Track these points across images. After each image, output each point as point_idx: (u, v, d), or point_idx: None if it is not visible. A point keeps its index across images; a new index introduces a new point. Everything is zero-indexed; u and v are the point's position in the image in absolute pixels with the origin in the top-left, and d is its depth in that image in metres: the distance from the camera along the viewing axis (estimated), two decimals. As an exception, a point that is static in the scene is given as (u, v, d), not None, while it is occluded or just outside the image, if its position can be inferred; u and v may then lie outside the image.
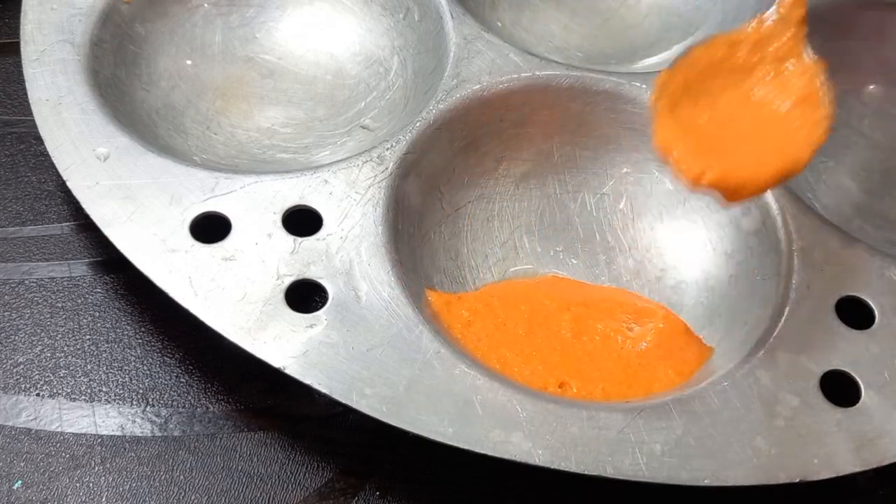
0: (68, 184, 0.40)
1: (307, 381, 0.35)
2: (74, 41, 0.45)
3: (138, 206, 0.39)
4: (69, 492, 0.37)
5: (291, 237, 0.39)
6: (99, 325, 0.42)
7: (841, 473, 0.35)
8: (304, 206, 0.40)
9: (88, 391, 0.40)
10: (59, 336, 0.42)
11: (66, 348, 0.41)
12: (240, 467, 0.38)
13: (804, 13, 0.36)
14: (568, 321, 0.41)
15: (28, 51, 0.44)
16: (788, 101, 0.37)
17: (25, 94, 0.43)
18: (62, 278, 0.43)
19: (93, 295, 0.43)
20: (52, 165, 0.41)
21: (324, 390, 0.35)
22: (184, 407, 0.40)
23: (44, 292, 0.43)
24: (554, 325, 0.41)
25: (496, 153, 0.46)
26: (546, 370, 0.39)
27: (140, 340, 0.42)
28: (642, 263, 0.44)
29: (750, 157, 0.36)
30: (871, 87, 0.52)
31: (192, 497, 0.38)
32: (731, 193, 0.36)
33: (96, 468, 0.38)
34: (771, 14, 0.36)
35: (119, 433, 0.39)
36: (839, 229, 0.42)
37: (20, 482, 0.37)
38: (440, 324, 0.39)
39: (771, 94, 0.37)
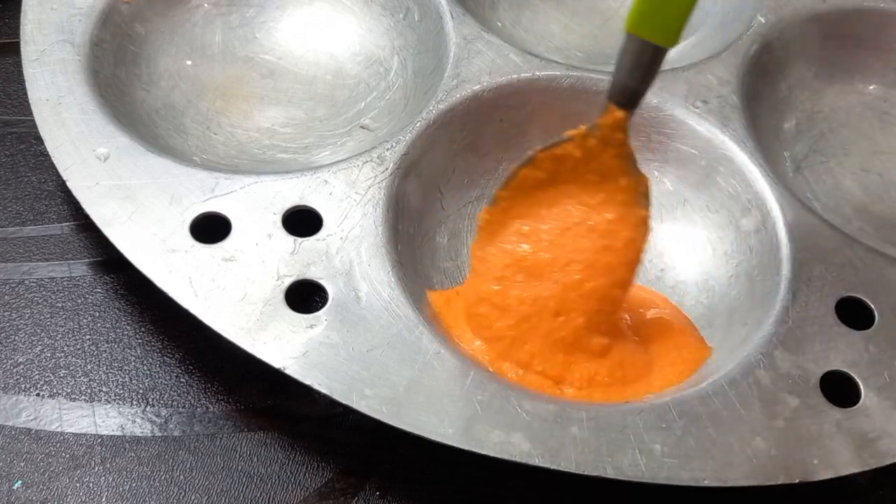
0: (68, 184, 0.40)
1: (307, 381, 0.35)
2: (74, 41, 0.45)
3: (138, 207, 0.39)
4: (69, 492, 0.37)
5: (291, 237, 0.39)
6: (99, 325, 0.42)
7: (841, 474, 0.35)
8: (305, 206, 0.40)
9: (88, 391, 0.40)
10: (59, 336, 0.42)
11: (66, 348, 0.41)
12: (240, 467, 0.38)
13: (623, 138, 0.36)
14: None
15: (28, 51, 0.44)
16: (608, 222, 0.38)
17: (25, 94, 0.43)
18: (62, 278, 0.43)
19: (93, 295, 0.43)
20: (52, 165, 0.41)
21: (324, 391, 0.35)
22: (184, 407, 0.40)
23: (44, 292, 0.43)
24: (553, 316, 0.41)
25: (496, 153, 0.46)
26: (545, 362, 0.39)
27: (140, 340, 0.42)
28: (642, 263, 0.44)
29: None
30: (872, 87, 0.52)
31: (192, 497, 0.38)
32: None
33: (96, 468, 0.38)
34: (593, 129, 0.37)
35: (119, 433, 0.39)
36: (839, 229, 0.42)
37: (20, 482, 0.37)
38: (440, 324, 0.39)
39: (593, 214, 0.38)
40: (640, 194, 0.38)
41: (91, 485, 0.38)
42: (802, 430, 0.36)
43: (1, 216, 0.45)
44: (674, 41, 0.34)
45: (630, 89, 0.35)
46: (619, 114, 0.36)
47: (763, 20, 0.49)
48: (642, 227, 0.38)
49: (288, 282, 0.38)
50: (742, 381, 0.37)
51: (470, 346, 0.39)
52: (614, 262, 0.38)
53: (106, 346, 0.41)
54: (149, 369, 0.41)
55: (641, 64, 0.34)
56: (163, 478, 0.38)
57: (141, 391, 0.40)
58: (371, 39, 0.51)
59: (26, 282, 0.43)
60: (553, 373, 0.38)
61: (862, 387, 0.37)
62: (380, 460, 0.39)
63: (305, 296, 0.38)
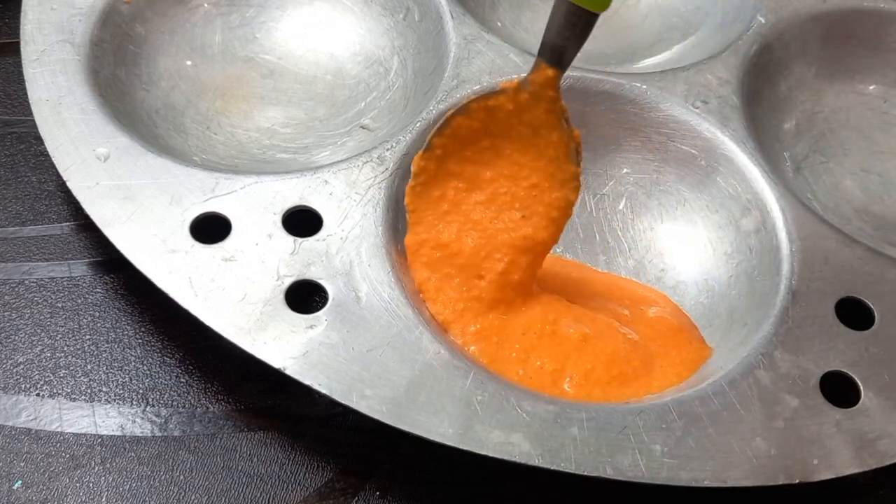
0: (68, 184, 0.40)
1: (307, 381, 0.35)
2: (74, 41, 0.45)
3: (138, 207, 0.39)
4: (69, 492, 0.37)
5: (291, 238, 0.39)
6: (99, 325, 0.42)
7: (841, 474, 0.35)
8: (305, 206, 0.40)
9: (88, 391, 0.40)
10: (59, 336, 0.42)
11: (66, 348, 0.41)
12: (240, 467, 0.38)
13: (555, 94, 0.37)
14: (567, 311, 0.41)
15: (28, 51, 0.44)
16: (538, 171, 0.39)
17: (25, 94, 0.43)
18: (62, 278, 0.43)
19: (93, 295, 0.43)
20: (52, 165, 0.41)
21: (324, 391, 0.35)
22: (184, 407, 0.40)
23: (44, 292, 0.43)
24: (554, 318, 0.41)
25: (496, 153, 0.46)
26: (545, 359, 0.39)
27: (140, 340, 0.42)
28: (642, 264, 0.44)
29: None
30: (872, 87, 0.52)
31: (192, 497, 0.38)
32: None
33: (96, 468, 0.38)
34: (525, 84, 0.37)
35: (119, 433, 0.39)
36: (839, 229, 0.42)
37: (20, 482, 0.37)
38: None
39: (523, 164, 0.39)
40: (571, 150, 0.38)
41: (91, 485, 0.38)
42: (802, 430, 0.36)
43: (1, 216, 0.45)
44: (604, 7, 0.35)
45: (559, 48, 0.36)
46: (549, 72, 0.37)
47: (763, 20, 0.49)
48: (572, 182, 0.38)
49: (288, 282, 0.38)
50: (742, 381, 0.37)
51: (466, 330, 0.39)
52: (533, 231, 0.39)
53: (106, 346, 0.41)
54: (149, 369, 0.41)
55: (572, 26, 0.35)
56: (163, 478, 0.38)
57: (141, 391, 0.40)
58: (371, 39, 0.51)
59: (26, 282, 0.43)
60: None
61: (862, 387, 0.37)
62: (380, 460, 0.39)
63: (305, 296, 0.38)
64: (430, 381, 0.36)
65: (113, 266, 0.44)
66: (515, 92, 0.38)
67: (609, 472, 0.34)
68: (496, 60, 0.46)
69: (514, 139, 0.39)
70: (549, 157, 0.38)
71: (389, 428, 0.35)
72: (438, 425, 0.34)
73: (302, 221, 0.40)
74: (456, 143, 0.39)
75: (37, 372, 0.40)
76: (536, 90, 0.37)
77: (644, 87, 0.45)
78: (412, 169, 0.40)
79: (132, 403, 0.40)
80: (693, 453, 0.35)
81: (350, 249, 0.39)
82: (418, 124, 0.43)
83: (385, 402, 0.35)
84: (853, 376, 0.37)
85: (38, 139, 0.41)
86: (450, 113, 0.39)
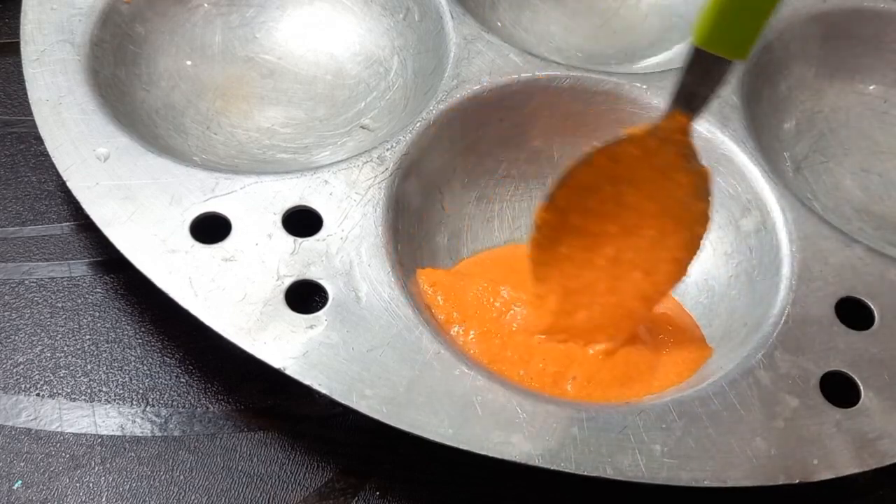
0: (68, 184, 0.40)
1: (307, 381, 0.35)
2: (74, 41, 0.45)
3: (138, 207, 0.39)
4: (69, 492, 0.37)
5: (291, 238, 0.39)
6: (99, 325, 0.42)
7: (841, 474, 0.35)
8: (305, 206, 0.40)
9: (88, 391, 0.40)
10: (59, 336, 0.42)
11: (66, 348, 0.41)
12: (240, 467, 0.38)
13: (687, 139, 0.36)
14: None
15: (28, 51, 0.44)
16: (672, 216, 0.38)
17: (25, 94, 0.43)
18: (62, 278, 0.43)
19: (93, 295, 0.43)
20: (52, 165, 0.41)
21: (324, 391, 0.35)
22: (184, 407, 0.40)
23: (44, 292, 0.43)
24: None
25: (496, 154, 0.46)
26: (548, 362, 0.39)
27: (140, 340, 0.42)
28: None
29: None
30: (872, 87, 0.52)
31: (192, 497, 0.38)
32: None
33: (96, 468, 0.38)
34: (655, 131, 0.36)
35: (119, 433, 0.39)
36: (839, 229, 0.42)
37: (20, 482, 0.37)
38: (432, 314, 0.39)
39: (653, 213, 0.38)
40: (700, 189, 0.37)
41: (91, 485, 0.38)
42: (802, 430, 0.36)
43: (1, 216, 0.45)
44: (745, 56, 0.34)
45: (694, 95, 0.35)
46: (683, 119, 0.36)
47: (763, 20, 0.49)
48: (701, 219, 0.37)
49: (288, 282, 0.38)
50: (742, 381, 0.37)
51: (452, 329, 0.39)
52: (653, 289, 0.39)
53: (106, 346, 0.41)
54: (149, 369, 0.41)
55: (710, 75, 0.34)
56: (163, 478, 0.38)
57: (141, 391, 0.40)
58: (371, 39, 0.51)
59: (26, 282, 0.43)
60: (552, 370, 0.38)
61: (862, 387, 0.37)
62: (380, 460, 0.39)
63: (305, 296, 0.38)
64: (430, 381, 0.36)
65: (113, 266, 0.44)
66: (644, 139, 0.36)
67: (609, 472, 0.34)
68: (496, 60, 0.46)
69: (639, 184, 0.37)
70: (676, 198, 0.37)
71: (389, 428, 0.35)
72: (438, 425, 0.34)
73: (302, 221, 0.40)
74: (577, 194, 0.38)
75: (37, 372, 0.40)
76: (668, 135, 0.36)
77: (644, 87, 0.45)
78: (535, 220, 0.38)
79: (132, 403, 0.40)
80: (693, 453, 0.35)
81: (350, 249, 0.39)
82: (418, 124, 0.43)
83: (385, 402, 0.35)
84: (853, 376, 0.37)
85: (38, 139, 0.41)
86: (571, 165, 0.37)
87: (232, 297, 0.37)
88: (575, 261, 0.39)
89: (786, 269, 0.40)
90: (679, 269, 0.39)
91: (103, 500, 0.37)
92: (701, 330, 0.42)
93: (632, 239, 0.38)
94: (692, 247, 0.38)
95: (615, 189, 0.38)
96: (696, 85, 0.35)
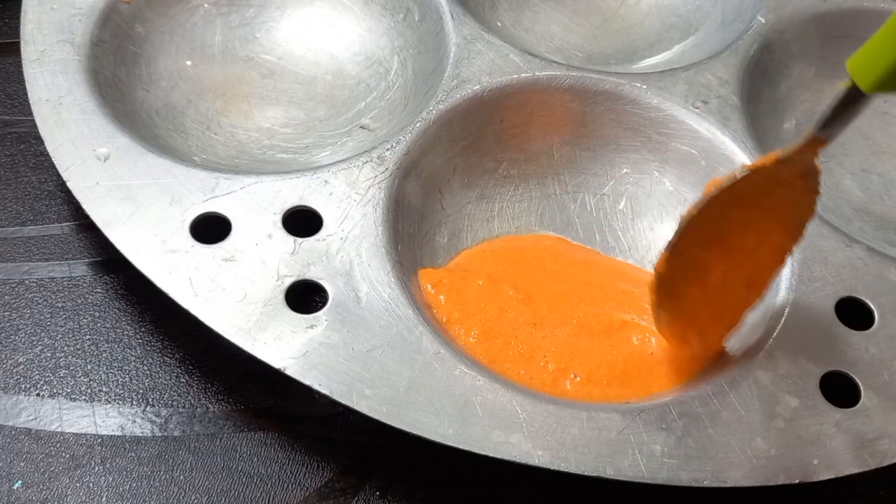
0: (68, 184, 0.40)
1: (307, 381, 0.35)
2: (74, 41, 0.45)
3: (138, 207, 0.39)
4: (69, 492, 0.37)
5: (291, 238, 0.39)
6: (99, 325, 0.42)
7: (841, 474, 0.35)
8: (305, 206, 0.40)
9: (88, 391, 0.40)
10: (59, 336, 0.42)
11: (66, 348, 0.41)
12: (240, 467, 0.38)
13: (814, 158, 0.36)
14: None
15: (28, 51, 0.44)
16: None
17: (25, 94, 0.43)
18: (62, 278, 0.43)
19: (93, 295, 0.43)
20: (52, 165, 0.41)
21: (324, 391, 0.35)
22: (184, 407, 0.40)
23: (44, 292, 0.43)
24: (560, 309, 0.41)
25: (496, 154, 0.46)
26: (549, 358, 0.39)
27: (140, 340, 0.42)
28: (642, 264, 0.44)
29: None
30: (871, 87, 0.52)
31: (192, 497, 0.38)
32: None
33: (96, 468, 0.38)
34: (788, 158, 0.36)
35: (119, 433, 0.39)
36: (839, 229, 0.42)
37: (20, 482, 0.37)
38: (432, 314, 0.39)
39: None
40: (810, 184, 0.36)
41: (91, 485, 0.38)
42: (802, 430, 0.36)
43: (1, 216, 0.45)
44: (882, 90, 0.34)
45: (838, 123, 0.36)
46: (821, 142, 0.36)
47: (763, 20, 0.49)
48: (808, 213, 0.37)
49: (288, 282, 0.38)
50: (742, 381, 0.37)
51: (454, 332, 0.39)
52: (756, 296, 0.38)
53: (106, 346, 0.41)
54: (149, 369, 0.41)
55: (857, 108, 0.35)
56: (163, 478, 0.38)
57: (141, 391, 0.40)
58: (371, 39, 0.51)
59: (26, 282, 0.43)
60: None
61: (862, 387, 0.37)
62: (380, 460, 0.39)
63: (305, 296, 0.38)
64: (431, 382, 0.36)
65: (113, 266, 0.44)
66: (774, 167, 0.36)
67: (609, 472, 0.34)
68: (496, 60, 0.46)
69: (760, 207, 0.37)
70: (789, 201, 0.37)
71: (389, 428, 0.35)
72: (438, 425, 0.34)
73: (302, 221, 0.40)
74: (697, 234, 0.37)
75: (37, 372, 0.40)
76: (800, 160, 0.36)
77: (644, 87, 0.45)
78: (656, 269, 0.37)
79: (132, 403, 0.40)
80: (693, 453, 0.35)
81: (350, 249, 0.39)
82: (418, 124, 0.43)
83: (385, 402, 0.35)
84: (853, 376, 0.37)
85: (38, 139, 0.41)
86: (692, 211, 0.36)
87: (232, 297, 0.37)
88: (692, 286, 0.38)
89: (786, 269, 0.40)
90: (781, 258, 0.38)
91: (103, 500, 0.37)
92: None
93: (743, 252, 0.38)
94: (796, 235, 0.37)
95: (733, 220, 0.37)
96: (840, 113, 0.35)
